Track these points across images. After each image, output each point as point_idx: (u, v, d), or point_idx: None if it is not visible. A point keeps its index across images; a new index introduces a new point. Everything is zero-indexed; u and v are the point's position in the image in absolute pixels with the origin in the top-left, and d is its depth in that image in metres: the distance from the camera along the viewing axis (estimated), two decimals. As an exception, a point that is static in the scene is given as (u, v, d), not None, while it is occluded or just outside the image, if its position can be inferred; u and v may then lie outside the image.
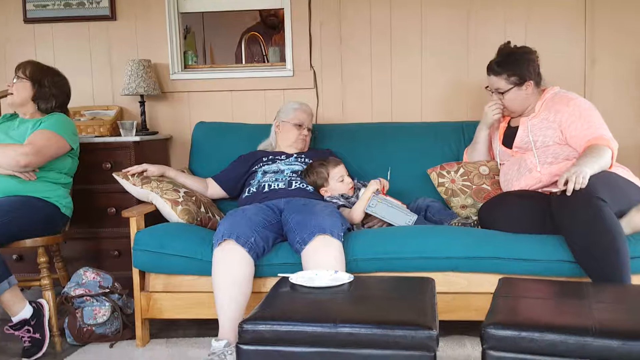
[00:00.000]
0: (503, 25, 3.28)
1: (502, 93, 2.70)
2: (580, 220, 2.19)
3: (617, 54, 3.23)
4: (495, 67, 2.70)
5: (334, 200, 2.75)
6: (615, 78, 3.24)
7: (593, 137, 2.48)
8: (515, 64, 2.67)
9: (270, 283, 2.34)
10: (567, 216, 2.23)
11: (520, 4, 3.25)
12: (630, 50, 3.22)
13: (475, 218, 2.71)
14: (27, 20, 3.53)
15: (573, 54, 3.25)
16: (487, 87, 2.78)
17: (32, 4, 3.49)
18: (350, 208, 2.70)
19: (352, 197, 2.80)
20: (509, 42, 2.76)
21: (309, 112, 3.06)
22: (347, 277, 1.96)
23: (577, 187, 2.18)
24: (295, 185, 2.78)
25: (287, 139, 3.00)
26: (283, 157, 2.96)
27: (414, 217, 2.65)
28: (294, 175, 2.84)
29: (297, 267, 2.30)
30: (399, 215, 2.64)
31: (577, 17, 3.23)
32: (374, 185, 2.69)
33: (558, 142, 2.59)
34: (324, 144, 3.15)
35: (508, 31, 3.25)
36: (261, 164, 2.93)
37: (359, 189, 2.82)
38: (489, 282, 2.35)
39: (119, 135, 3.19)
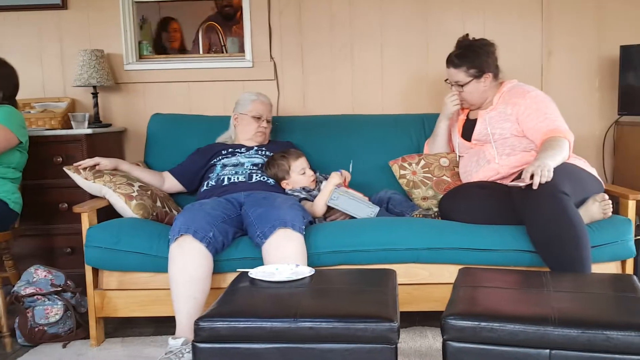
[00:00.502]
0: (461, 17, 3.28)
1: (462, 85, 2.70)
2: (543, 213, 2.20)
3: (573, 46, 3.27)
4: (455, 60, 2.70)
5: (296, 194, 2.71)
6: (571, 69, 3.28)
7: (549, 129, 2.50)
8: (474, 56, 2.67)
9: (230, 278, 2.28)
10: (530, 209, 2.24)
11: (478, -5, 3.27)
12: (586, 41, 3.26)
13: (435, 209, 2.71)
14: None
15: (530, 46, 3.28)
16: (447, 79, 2.77)
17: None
18: (312, 201, 2.67)
19: (313, 190, 2.76)
20: (467, 35, 2.76)
21: (267, 103, 3.00)
22: (308, 271, 1.93)
23: (543, 181, 2.19)
24: (256, 179, 2.73)
25: (246, 132, 2.95)
26: (243, 149, 2.90)
27: (376, 209, 2.63)
28: (254, 168, 2.79)
29: (258, 261, 2.26)
30: (361, 207, 2.62)
31: (534, 9, 3.26)
32: (335, 178, 2.66)
33: (516, 134, 2.61)
34: (285, 136, 3.11)
35: (466, 23, 3.26)
36: (220, 157, 2.87)
37: (321, 182, 2.79)
38: (449, 273, 2.36)
39: (71, 128, 3.09)
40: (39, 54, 3.41)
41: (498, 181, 2.59)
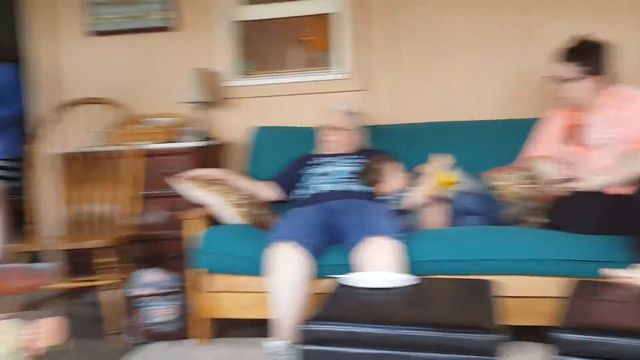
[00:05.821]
0: (567, 17, 3.15)
1: (564, 81, 2.58)
2: None
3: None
4: (567, 54, 2.58)
5: (396, 195, 2.70)
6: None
7: None
8: (585, 55, 2.55)
9: (323, 285, 2.31)
10: None
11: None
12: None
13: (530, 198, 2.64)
14: (91, 33, 3.67)
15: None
16: (546, 76, 2.66)
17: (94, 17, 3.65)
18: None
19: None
20: (582, 35, 2.62)
21: (336, 112, 3.03)
22: (408, 279, 1.94)
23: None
24: (347, 187, 2.77)
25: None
26: (334, 158, 2.94)
27: None
28: (344, 176, 2.82)
29: (350, 269, 2.27)
30: None
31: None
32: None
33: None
34: (380, 146, 3.10)
35: (574, 24, 3.05)
36: (313, 166, 2.94)
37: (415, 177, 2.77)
38: (552, 286, 2.26)
39: (178, 141, 3.30)
40: (150, 73, 3.66)
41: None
